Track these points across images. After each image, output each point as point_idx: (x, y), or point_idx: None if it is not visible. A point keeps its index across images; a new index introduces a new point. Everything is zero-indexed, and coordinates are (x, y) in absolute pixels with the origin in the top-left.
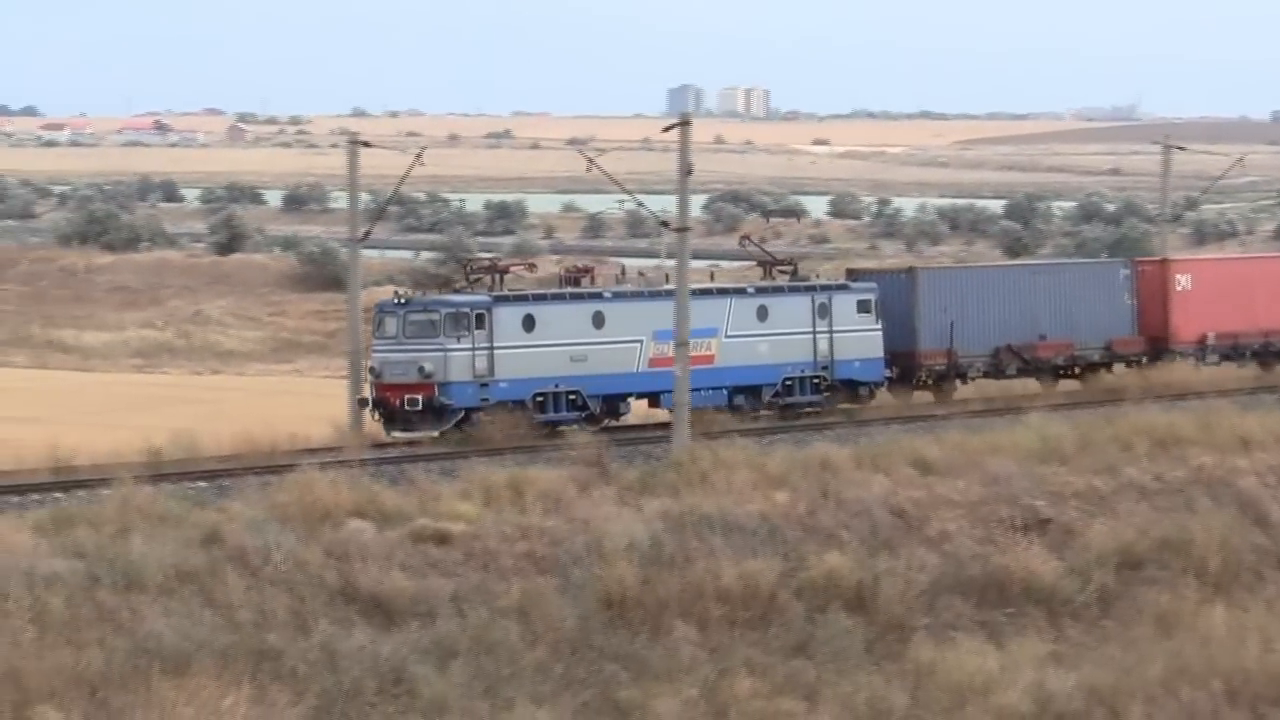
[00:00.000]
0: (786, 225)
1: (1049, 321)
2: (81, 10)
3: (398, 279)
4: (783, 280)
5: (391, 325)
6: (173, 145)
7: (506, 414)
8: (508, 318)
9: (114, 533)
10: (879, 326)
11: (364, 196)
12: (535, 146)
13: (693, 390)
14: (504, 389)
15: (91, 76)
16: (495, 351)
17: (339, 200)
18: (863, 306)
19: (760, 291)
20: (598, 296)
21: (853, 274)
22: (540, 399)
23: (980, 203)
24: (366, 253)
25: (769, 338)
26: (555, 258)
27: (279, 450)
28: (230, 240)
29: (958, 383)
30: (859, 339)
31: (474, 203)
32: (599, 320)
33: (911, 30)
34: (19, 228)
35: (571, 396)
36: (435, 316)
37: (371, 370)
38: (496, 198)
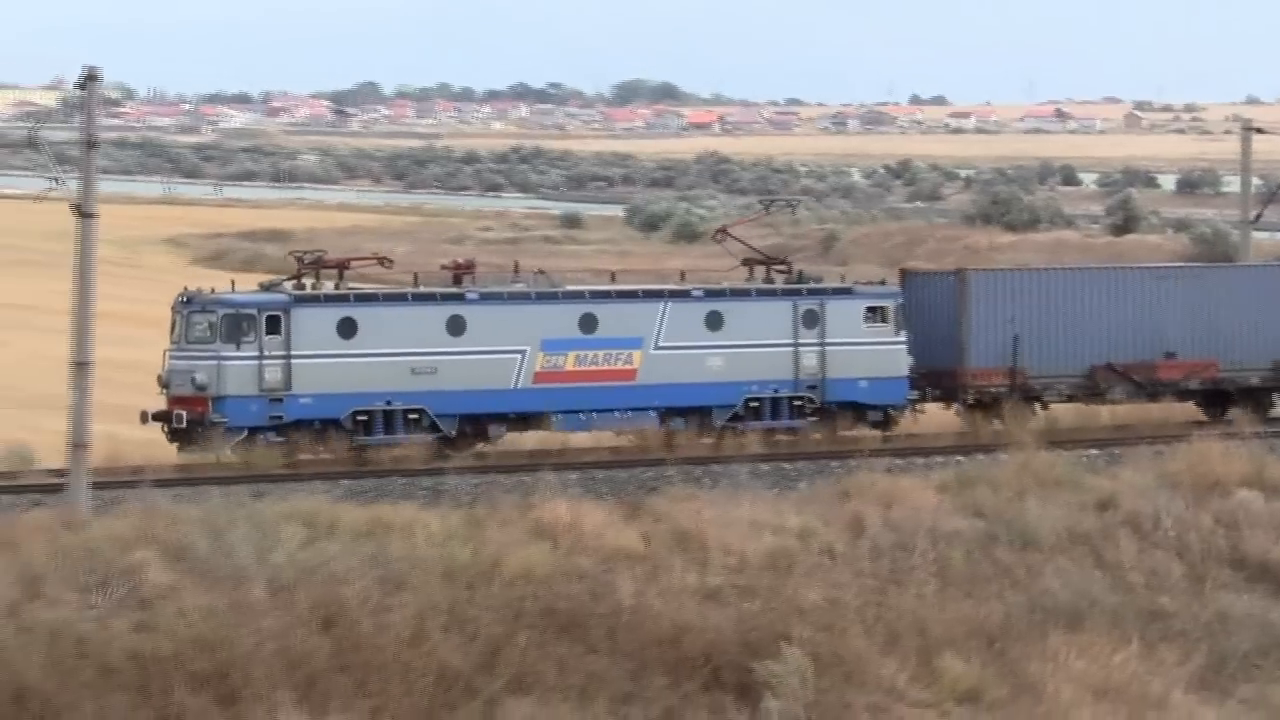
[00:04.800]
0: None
1: (1181, 335)
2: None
3: None
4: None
5: (177, 327)
6: (1071, 132)
7: (311, 434)
8: (313, 321)
9: (1011, 495)
10: (901, 339)
11: (1255, 180)
12: None
13: (604, 411)
14: (305, 405)
15: (997, 66)
16: (293, 361)
17: (1231, 184)
18: (874, 315)
19: (712, 295)
20: (456, 298)
21: (904, 276)
22: (363, 418)
23: None
24: (1257, 234)
25: (724, 350)
26: None
27: (1170, 421)
28: (1125, 221)
29: (1037, 408)
30: (866, 354)
31: None
32: (457, 326)
33: None
34: (927, 208)
35: (413, 416)
36: (213, 318)
37: (159, 379)
38: None
